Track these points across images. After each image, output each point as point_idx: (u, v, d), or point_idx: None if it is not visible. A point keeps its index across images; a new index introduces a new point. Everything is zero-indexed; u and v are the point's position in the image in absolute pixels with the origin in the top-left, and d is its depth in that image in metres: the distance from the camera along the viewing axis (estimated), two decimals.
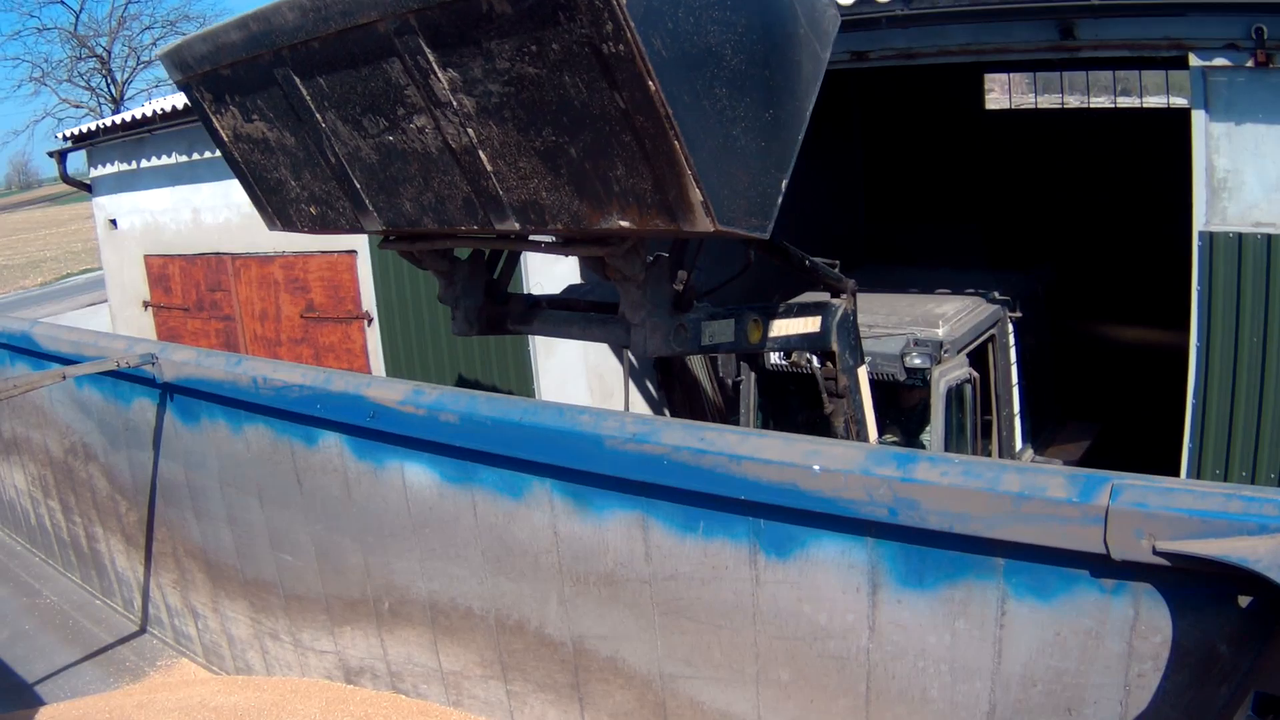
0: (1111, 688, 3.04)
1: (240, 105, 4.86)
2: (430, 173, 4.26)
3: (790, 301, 5.98)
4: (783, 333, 5.72)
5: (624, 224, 3.77)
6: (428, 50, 3.80)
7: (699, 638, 3.91)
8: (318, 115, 4.44)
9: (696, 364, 8.46)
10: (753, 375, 8.15)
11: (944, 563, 3.25)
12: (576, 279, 8.92)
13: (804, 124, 3.87)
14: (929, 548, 3.26)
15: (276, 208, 5.29)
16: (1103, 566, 2.96)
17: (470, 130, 3.95)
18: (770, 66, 3.70)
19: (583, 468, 4.01)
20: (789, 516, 3.51)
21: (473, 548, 4.50)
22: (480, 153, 3.98)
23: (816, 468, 3.34)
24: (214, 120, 5.12)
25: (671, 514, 3.84)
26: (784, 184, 3.81)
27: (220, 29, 4.51)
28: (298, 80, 4.36)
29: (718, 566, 3.75)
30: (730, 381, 8.07)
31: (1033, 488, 3.00)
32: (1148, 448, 7.01)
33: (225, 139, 5.15)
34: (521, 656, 4.51)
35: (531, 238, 4.62)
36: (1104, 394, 10.21)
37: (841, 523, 3.39)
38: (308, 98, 4.39)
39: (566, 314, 5.16)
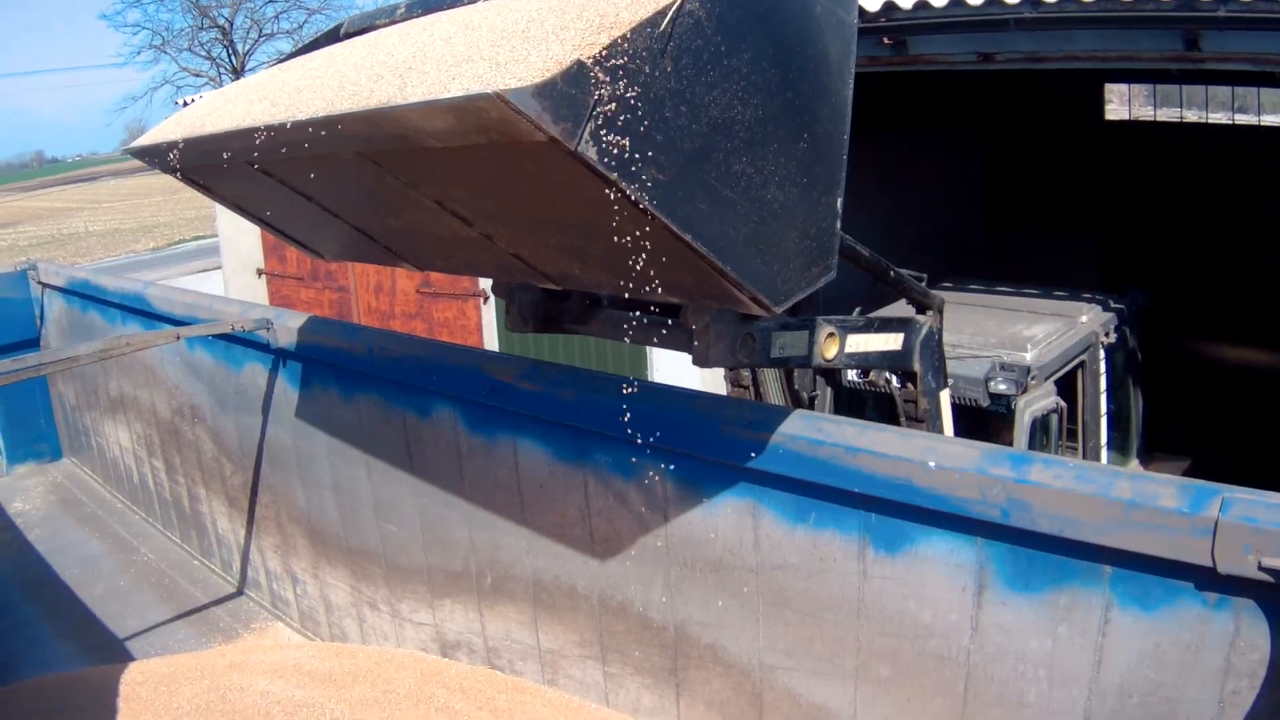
0: (1206, 703, 3.13)
1: (240, 190, 4.74)
2: (454, 246, 4.12)
3: (871, 315, 5.75)
4: (861, 349, 5.40)
5: (674, 299, 3.65)
6: (399, 177, 3.53)
7: (801, 629, 4.06)
8: (320, 201, 4.29)
9: (768, 376, 8.23)
10: (829, 391, 8.04)
11: (1051, 567, 3.36)
12: None
13: (847, 117, 3.45)
14: (1037, 550, 3.37)
15: (315, 246, 5.18)
16: (1208, 580, 3.05)
17: (478, 227, 3.72)
18: (794, 83, 3.23)
19: (697, 453, 4.16)
20: (900, 512, 3.65)
21: (581, 527, 4.68)
22: (497, 241, 3.78)
23: (932, 464, 3.49)
24: (216, 195, 4.96)
25: (783, 503, 3.99)
26: (839, 202, 3.45)
27: (197, 140, 4.12)
28: (291, 183, 4.17)
29: (826, 558, 3.90)
30: (806, 395, 7.87)
31: (1144, 496, 3.11)
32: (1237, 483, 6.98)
33: (236, 207, 4.96)
34: (622, 639, 4.68)
35: None
36: (1195, 427, 9.96)
37: (952, 520, 3.52)
38: (307, 191, 4.22)
39: (627, 314, 4.78)
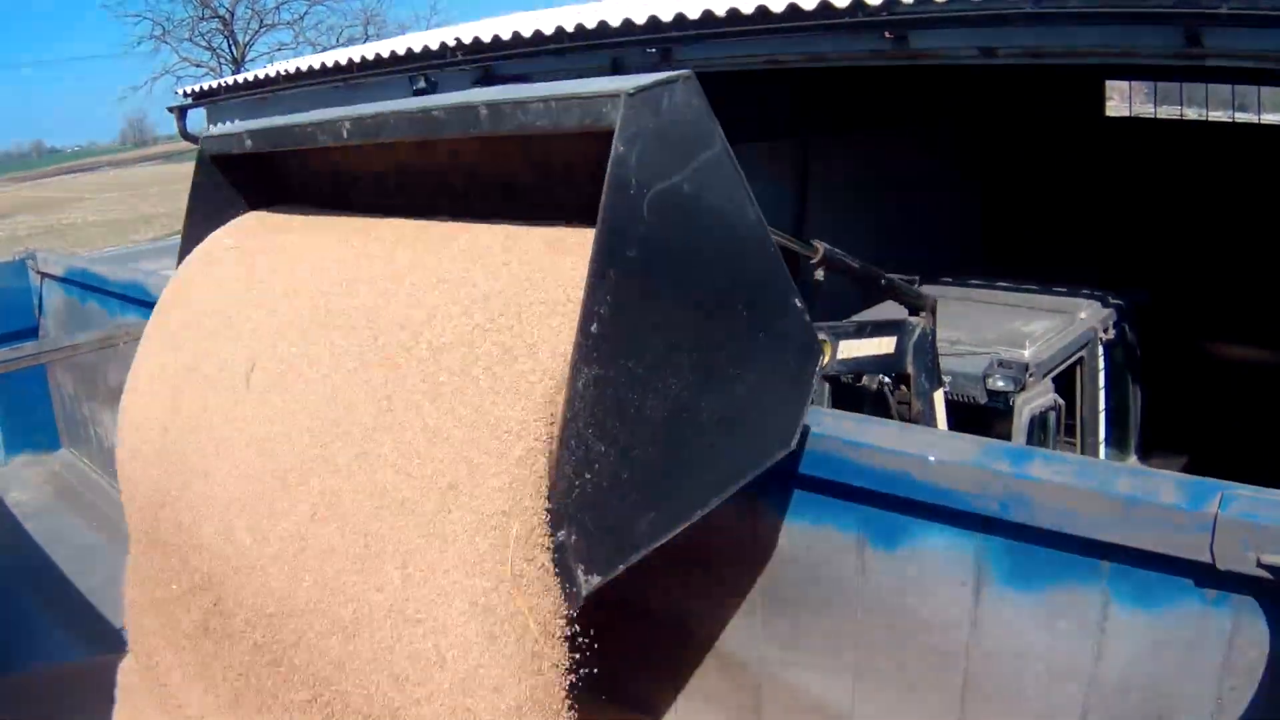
0: (1204, 699, 3.14)
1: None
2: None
3: (863, 320, 5.89)
4: (853, 354, 5.53)
5: None
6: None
7: (799, 624, 4.09)
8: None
9: None
10: (826, 387, 8.09)
11: (1050, 562, 3.37)
12: None
13: (766, 237, 3.27)
14: (1036, 546, 3.39)
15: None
16: (1207, 576, 3.06)
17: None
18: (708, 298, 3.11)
19: None
20: (900, 506, 3.66)
21: None
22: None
23: (932, 458, 3.51)
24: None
25: (781, 497, 4.01)
26: (798, 300, 3.41)
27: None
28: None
29: (824, 553, 3.93)
30: None
31: (1145, 491, 3.12)
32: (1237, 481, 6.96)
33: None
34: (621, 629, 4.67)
35: None
36: (1194, 425, 9.94)
37: (952, 515, 3.54)
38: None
39: None
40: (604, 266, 2.74)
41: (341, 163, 4.34)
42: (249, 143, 4.28)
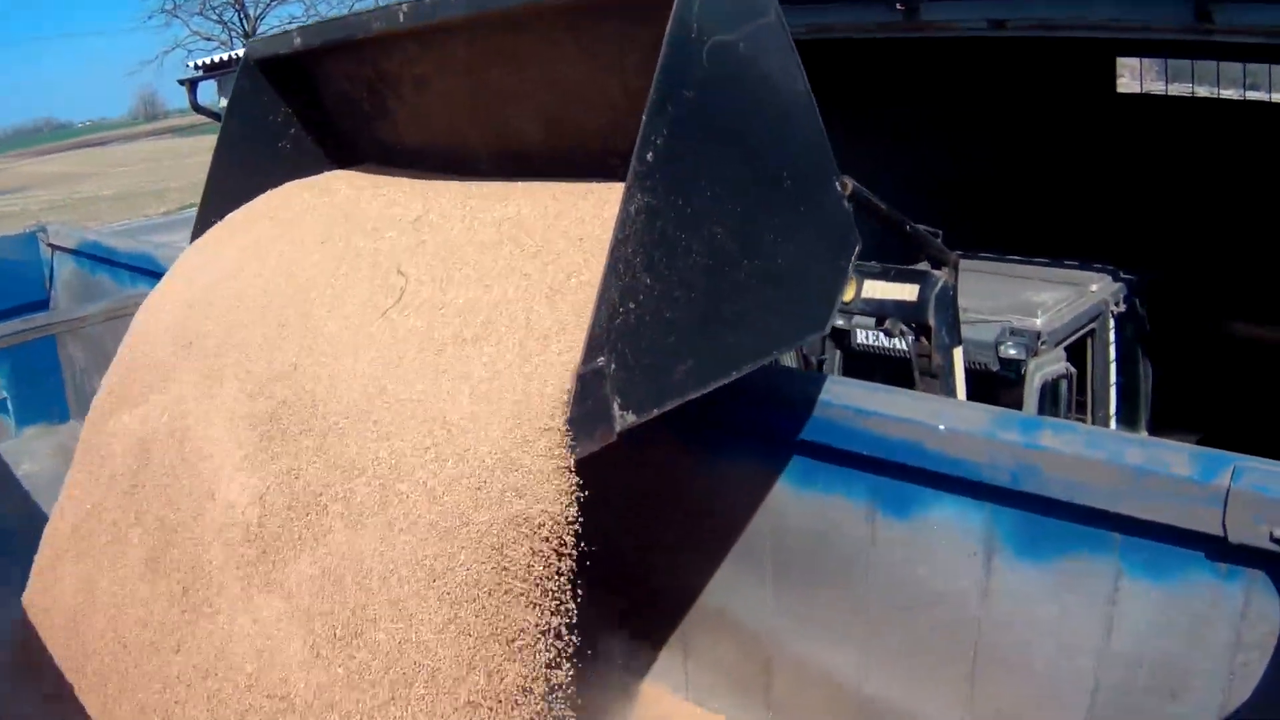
0: (1216, 674, 3.13)
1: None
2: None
3: (889, 265, 5.92)
4: (877, 295, 5.66)
5: None
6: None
7: (809, 593, 4.10)
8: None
9: None
10: (838, 354, 8.07)
11: (1060, 533, 3.36)
12: None
13: (813, 106, 3.30)
14: (1046, 516, 3.38)
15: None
16: (1218, 549, 3.05)
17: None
18: (756, 153, 3.18)
19: (706, 417, 4.05)
20: (910, 475, 3.66)
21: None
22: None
23: (942, 427, 3.50)
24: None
25: (791, 466, 4.02)
26: (837, 183, 3.46)
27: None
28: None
29: (835, 522, 3.92)
30: (815, 359, 7.80)
31: (1156, 462, 3.11)
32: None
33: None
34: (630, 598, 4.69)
35: None
36: (1205, 402, 9.92)
37: (962, 485, 3.53)
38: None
39: None
40: (662, 100, 2.79)
41: (385, 67, 4.39)
42: (298, 40, 4.35)
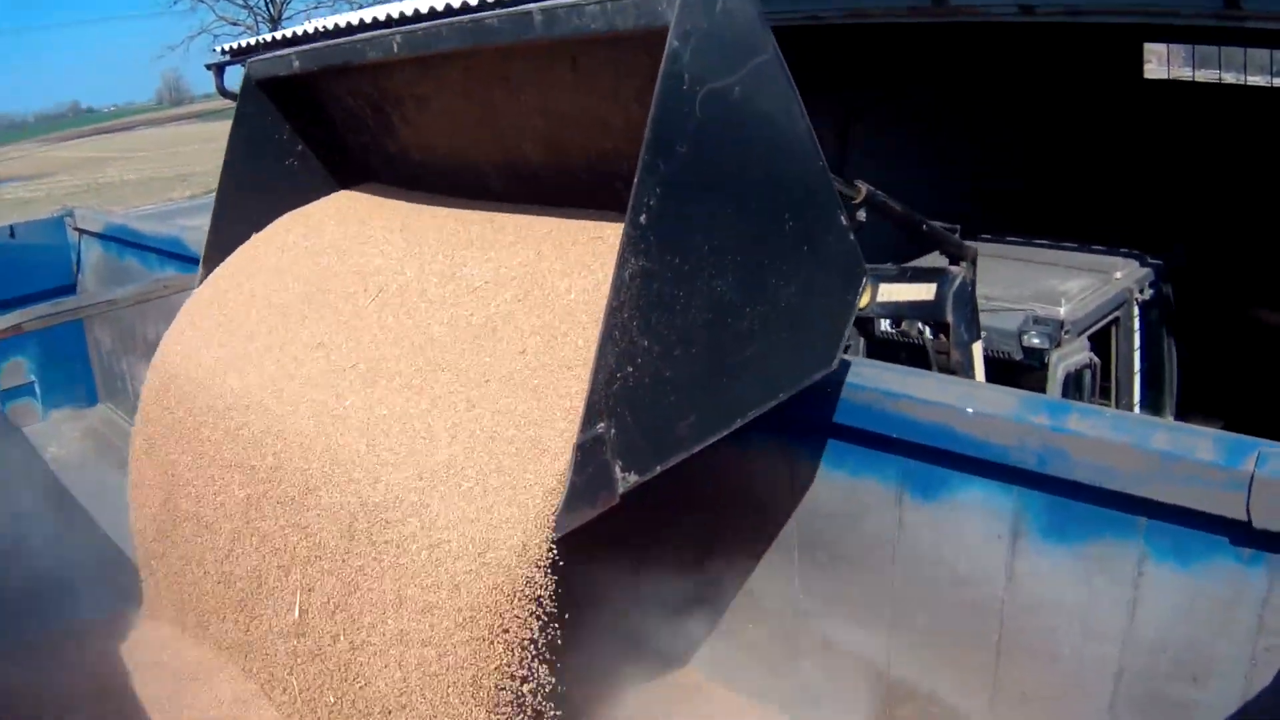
0: (1238, 660, 3.14)
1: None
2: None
3: (905, 265, 5.92)
4: (893, 298, 5.65)
5: None
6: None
7: (837, 576, 4.12)
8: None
9: None
10: (862, 342, 8.07)
11: (1086, 517, 3.37)
12: None
13: (813, 148, 3.30)
14: (1073, 500, 3.39)
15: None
16: (1243, 535, 3.05)
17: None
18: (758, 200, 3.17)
19: None
20: (938, 459, 3.67)
21: None
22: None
23: (970, 410, 3.51)
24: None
25: (822, 448, 4.03)
26: (842, 217, 3.46)
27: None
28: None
29: (863, 505, 3.95)
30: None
31: (1182, 447, 3.11)
32: None
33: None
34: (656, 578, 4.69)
35: None
36: (1231, 389, 9.86)
37: (989, 468, 3.54)
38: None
39: None
40: (654, 159, 2.80)
41: (386, 87, 4.41)
42: (296, 64, 4.36)
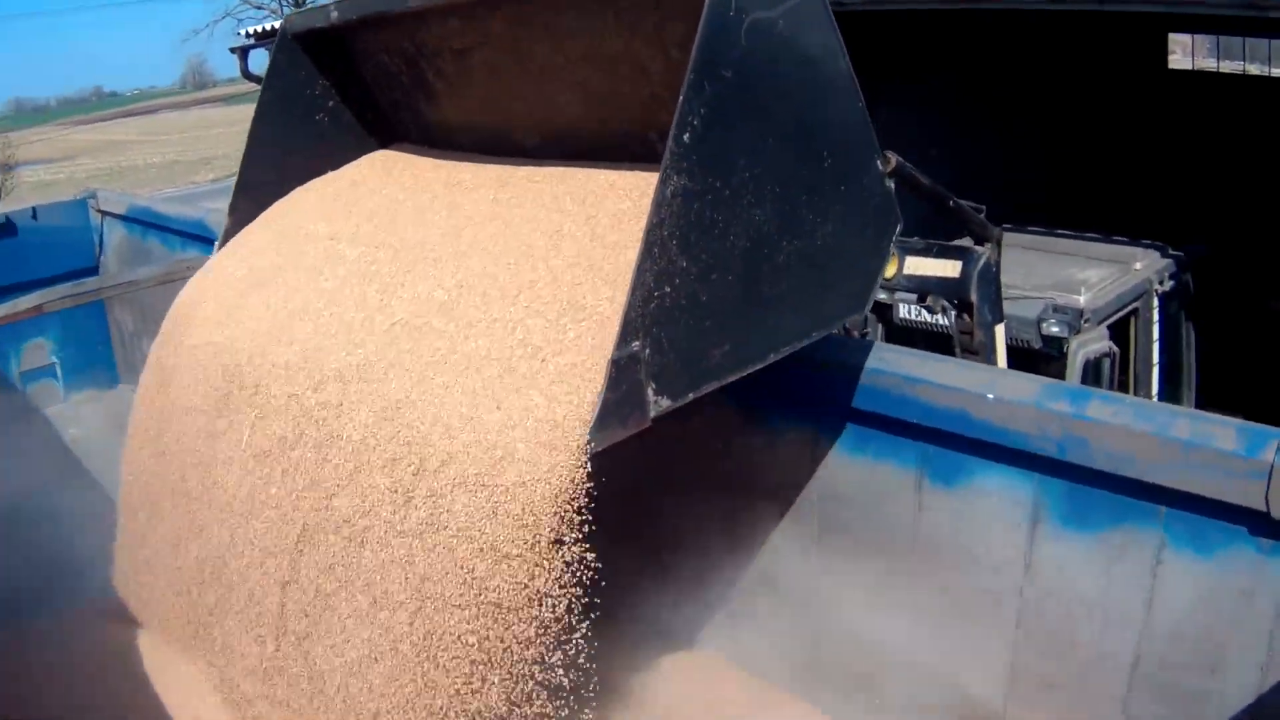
0: (1256, 650, 3.15)
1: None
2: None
3: (931, 241, 5.95)
4: (919, 272, 5.69)
5: None
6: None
7: (856, 561, 4.12)
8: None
9: None
10: (880, 328, 8.06)
11: (1106, 505, 3.38)
12: None
13: (855, 91, 3.36)
14: (1092, 488, 3.39)
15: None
16: (1262, 525, 3.06)
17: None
18: (797, 137, 3.22)
19: (756, 380, 4.15)
20: (958, 444, 3.68)
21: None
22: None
23: (990, 396, 3.52)
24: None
25: (842, 432, 4.05)
26: (878, 162, 3.55)
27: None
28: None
29: (882, 490, 3.96)
30: (857, 333, 7.77)
31: (1202, 436, 3.12)
32: None
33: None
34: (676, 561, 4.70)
35: None
36: (1247, 383, 9.84)
37: (1009, 455, 3.55)
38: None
39: None
40: (700, 78, 2.83)
41: (424, 40, 4.42)
42: (334, 14, 4.39)
